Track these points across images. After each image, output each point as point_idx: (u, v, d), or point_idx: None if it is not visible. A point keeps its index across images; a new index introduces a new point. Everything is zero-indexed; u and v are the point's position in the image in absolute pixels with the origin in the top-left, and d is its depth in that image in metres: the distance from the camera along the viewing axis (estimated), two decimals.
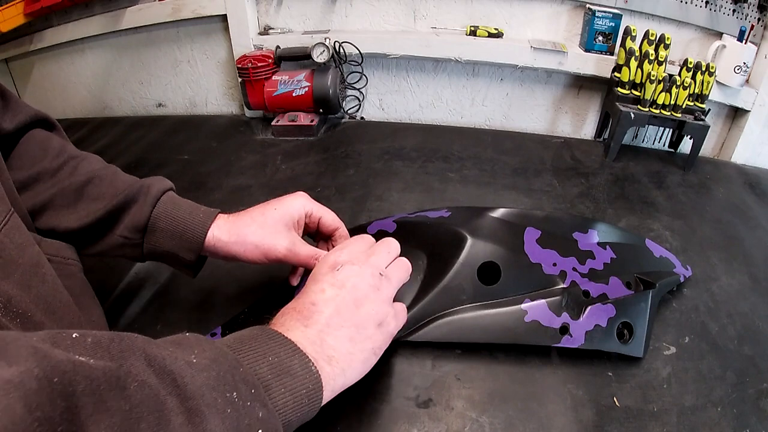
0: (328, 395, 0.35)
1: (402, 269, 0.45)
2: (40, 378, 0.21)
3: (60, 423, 0.20)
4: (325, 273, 0.41)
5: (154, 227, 0.46)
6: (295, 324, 0.36)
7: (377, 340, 0.39)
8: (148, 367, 0.26)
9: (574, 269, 0.52)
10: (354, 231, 0.62)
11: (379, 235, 0.48)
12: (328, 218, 0.51)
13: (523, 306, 0.49)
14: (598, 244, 0.55)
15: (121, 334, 0.27)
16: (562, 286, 0.51)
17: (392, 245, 0.45)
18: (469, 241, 0.51)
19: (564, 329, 0.48)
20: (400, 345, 0.48)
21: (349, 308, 0.38)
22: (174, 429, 0.25)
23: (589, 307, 0.49)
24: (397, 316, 0.42)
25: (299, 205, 0.49)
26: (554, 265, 0.52)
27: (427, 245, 0.53)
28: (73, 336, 0.25)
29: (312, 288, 0.39)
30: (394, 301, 0.42)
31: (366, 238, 0.46)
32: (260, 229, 0.47)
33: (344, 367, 0.36)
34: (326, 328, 0.36)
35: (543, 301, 0.49)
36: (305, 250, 0.48)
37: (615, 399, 0.45)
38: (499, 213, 0.55)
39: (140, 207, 0.46)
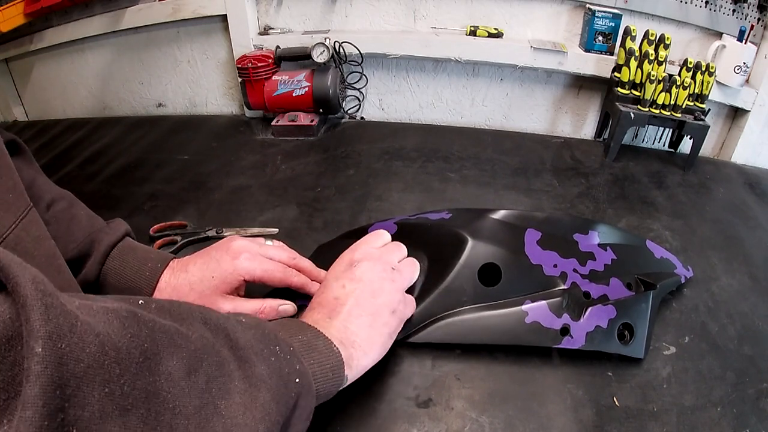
0: (354, 374, 0.39)
1: (412, 267, 0.49)
2: (129, 310, 0.26)
3: (145, 341, 0.25)
4: (344, 270, 0.45)
5: (104, 282, 0.49)
6: (321, 317, 0.41)
7: (392, 325, 0.44)
8: (204, 325, 0.30)
9: (575, 270, 0.52)
10: (355, 232, 0.62)
11: None
12: (277, 276, 0.49)
13: (524, 307, 0.49)
14: (599, 245, 0.55)
15: (178, 301, 0.32)
16: (562, 287, 0.51)
17: (401, 246, 0.50)
18: (470, 242, 0.51)
19: (564, 330, 0.48)
20: (400, 345, 0.48)
21: (367, 299, 0.43)
22: (229, 372, 0.29)
23: (590, 308, 0.49)
24: (408, 305, 0.47)
25: (242, 271, 0.48)
26: (555, 266, 0.52)
27: (428, 247, 0.53)
28: (140, 302, 0.29)
29: (333, 285, 0.44)
30: None
31: (380, 234, 0.50)
32: (199, 299, 0.47)
33: (366, 350, 0.40)
34: (348, 317, 0.41)
35: (544, 302, 0.49)
36: (249, 306, 0.48)
37: (615, 399, 0.45)
38: (499, 215, 0.55)
39: (91, 264, 0.48)
